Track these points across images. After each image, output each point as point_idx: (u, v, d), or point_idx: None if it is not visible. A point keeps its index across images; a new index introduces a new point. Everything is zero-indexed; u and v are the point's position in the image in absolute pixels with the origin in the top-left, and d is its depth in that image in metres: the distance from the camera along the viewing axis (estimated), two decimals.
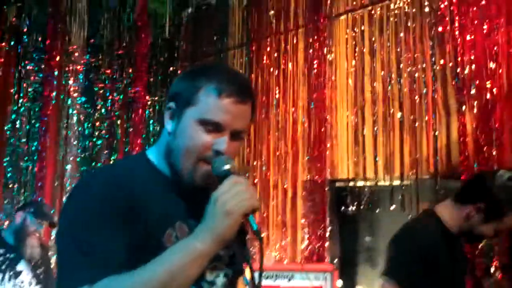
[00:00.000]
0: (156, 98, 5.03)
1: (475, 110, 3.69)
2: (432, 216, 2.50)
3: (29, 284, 3.24)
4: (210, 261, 1.28)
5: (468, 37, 3.79)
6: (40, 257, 3.35)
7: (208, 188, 1.31)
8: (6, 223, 4.44)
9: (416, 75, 4.02)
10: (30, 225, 3.24)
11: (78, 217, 1.28)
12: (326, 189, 4.33)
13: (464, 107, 3.74)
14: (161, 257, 1.22)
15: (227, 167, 1.30)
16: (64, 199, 4.64)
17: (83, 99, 4.95)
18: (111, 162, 4.74)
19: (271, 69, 4.74)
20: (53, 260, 3.65)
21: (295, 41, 4.71)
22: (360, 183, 4.20)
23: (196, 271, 1.23)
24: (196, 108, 1.35)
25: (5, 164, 4.56)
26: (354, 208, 4.19)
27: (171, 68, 5.08)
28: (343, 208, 4.24)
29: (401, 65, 4.11)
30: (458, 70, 3.80)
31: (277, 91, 4.68)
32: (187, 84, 1.39)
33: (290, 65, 4.69)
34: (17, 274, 3.19)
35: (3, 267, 3.16)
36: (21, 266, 3.24)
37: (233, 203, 1.22)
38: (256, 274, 1.26)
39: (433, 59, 3.96)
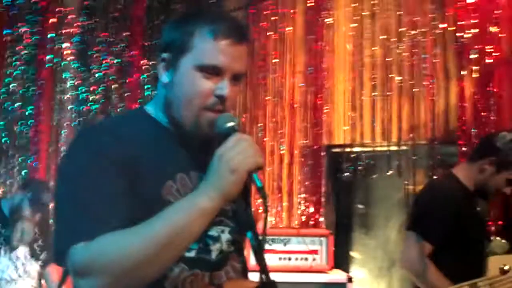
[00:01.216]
0: (152, 62, 4.96)
1: (474, 75, 3.65)
2: (451, 175, 2.72)
3: (25, 258, 3.24)
4: (215, 216, 1.26)
5: (469, 0, 3.72)
6: (35, 231, 3.33)
7: (210, 140, 1.29)
8: (1, 190, 4.44)
9: (416, 39, 3.97)
10: (25, 210, 3.20)
11: (74, 172, 1.25)
12: (322, 154, 4.32)
13: (463, 72, 3.71)
14: (164, 214, 1.19)
15: (231, 124, 1.28)
16: (58, 163, 4.63)
17: (78, 63, 4.88)
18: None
19: (269, 33, 4.66)
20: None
21: (293, 4, 4.62)
22: (357, 149, 4.18)
23: (199, 229, 1.21)
24: (192, 54, 1.31)
25: (0, 128, 4.53)
26: (350, 173, 4.18)
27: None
28: (339, 173, 4.23)
29: (401, 29, 4.04)
30: (458, 34, 3.75)
31: (274, 56, 4.61)
32: (179, 31, 1.34)
33: (287, 29, 4.61)
34: (13, 249, 3.19)
35: (2, 244, 3.15)
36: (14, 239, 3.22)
37: (238, 160, 1.20)
38: (260, 233, 1.24)
39: (434, 22, 3.90)
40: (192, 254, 1.30)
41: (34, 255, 3.29)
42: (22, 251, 3.24)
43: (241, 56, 1.34)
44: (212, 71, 1.30)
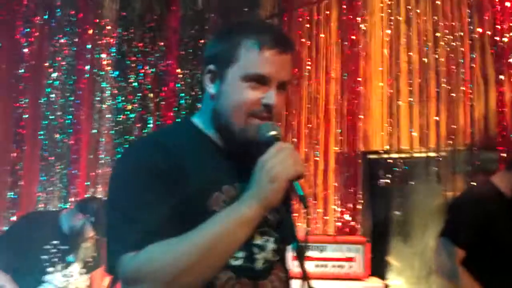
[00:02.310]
0: (187, 71, 5.01)
1: None
2: (488, 183, 2.68)
3: (79, 274, 3.30)
4: (260, 225, 1.29)
5: (507, 4, 3.66)
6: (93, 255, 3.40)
7: (254, 152, 1.30)
8: (43, 195, 4.53)
9: (453, 44, 3.91)
10: (88, 233, 3.26)
11: (124, 184, 1.30)
12: (359, 161, 4.28)
13: (502, 77, 3.63)
14: (208, 223, 1.22)
15: (273, 132, 1.30)
16: (98, 171, 4.71)
17: (116, 72, 4.97)
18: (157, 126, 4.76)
19: (303, 40, 4.66)
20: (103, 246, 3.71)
21: (327, 11, 4.61)
22: (394, 155, 4.13)
23: (242, 237, 1.23)
24: (238, 65, 1.34)
25: (40, 137, 4.63)
26: (387, 180, 4.13)
27: (201, 41, 5.05)
28: (376, 180, 4.19)
29: (438, 34, 3.99)
30: (497, 38, 3.68)
31: (309, 62, 4.61)
32: (225, 43, 1.37)
33: (322, 35, 4.60)
34: (68, 265, 3.25)
35: (55, 258, 3.21)
36: (72, 258, 3.28)
37: (279, 169, 1.22)
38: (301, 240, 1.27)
39: (471, 27, 3.84)
40: (238, 262, 1.32)
41: (86, 270, 3.35)
42: (76, 267, 3.29)
43: (287, 64, 1.37)
44: (258, 80, 1.33)
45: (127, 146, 1.75)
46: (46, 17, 4.87)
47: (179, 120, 4.52)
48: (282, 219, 1.44)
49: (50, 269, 3.16)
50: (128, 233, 1.23)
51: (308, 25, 4.68)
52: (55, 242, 3.20)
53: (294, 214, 1.57)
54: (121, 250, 1.21)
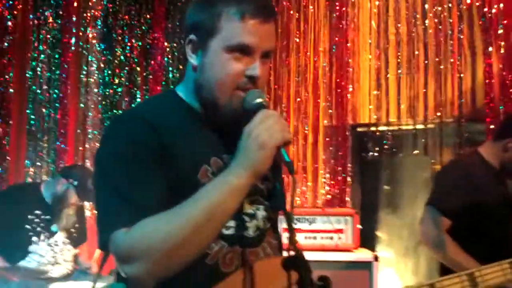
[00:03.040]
0: (175, 45, 4.96)
1: (502, 51, 3.59)
2: (475, 153, 2.70)
3: (63, 243, 3.29)
4: (250, 194, 1.29)
5: None
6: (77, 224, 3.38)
7: (240, 122, 1.29)
8: (31, 169, 4.50)
9: (442, 15, 3.90)
10: (71, 199, 3.24)
11: (113, 160, 1.28)
12: (347, 134, 4.30)
13: (490, 48, 3.64)
14: (197, 194, 1.21)
15: (258, 100, 1.29)
16: (86, 145, 4.68)
17: (102, 46, 4.90)
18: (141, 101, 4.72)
19: (291, 12, 4.62)
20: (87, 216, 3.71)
21: None
22: (382, 128, 4.15)
23: (233, 206, 1.23)
24: (221, 35, 1.31)
25: (28, 112, 4.58)
26: (376, 153, 4.15)
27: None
28: (364, 153, 4.21)
29: (426, 6, 3.97)
30: (485, 9, 3.68)
31: (297, 35, 4.58)
32: (206, 12, 1.34)
33: (311, 7, 4.57)
34: (52, 235, 3.24)
35: (39, 228, 3.20)
36: (55, 227, 3.27)
37: (266, 135, 1.21)
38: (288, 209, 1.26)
39: None
40: (230, 231, 1.33)
41: (71, 240, 3.35)
42: (60, 236, 3.29)
43: (270, 34, 1.34)
44: (242, 51, 1.30)
45: (113, 120, 1.72)
46: None
47: (162, 92, 4.48)
48: (272, 186, 1.44)
49: (34, 239, 3.16)
50: (119, 209, 1.22)
51: None
52: (37, 212, 3.20)
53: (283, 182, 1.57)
54: (113, 226, 1.21)
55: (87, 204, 3.86)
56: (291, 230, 1.18)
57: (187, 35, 1.38)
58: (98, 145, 1.37)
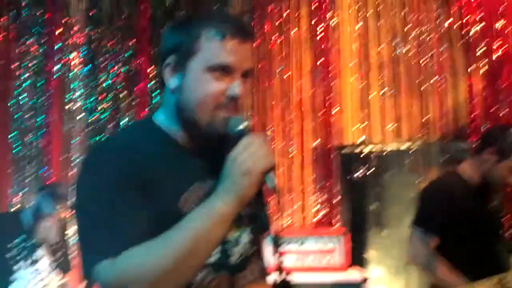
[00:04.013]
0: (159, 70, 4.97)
1: (482, 71, 3.67)
2: (452, 171, 2.76)
3: (48, 271, 3.25)
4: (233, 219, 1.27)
5: None
6: (58, 241, 3.32)
7: (221, 147, 1.29)
8: (16, 198, 4.45)
9: (422, 37, 3.98)
10: (45, 208, 3.20)
11: (93, 191, 1.26)
12: (333, 155, 4.33)
13: (471, 68, 3.72)
14: (184, 222, 1.20)
15: (242, 126, 1.29)
16: (72, 172, 4.64)
17: (86, 72, 4.90)
18: (117, 130, 4.71)
19: (274, 37, 4.68)
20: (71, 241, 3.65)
21: (297, 7, 4.64)
22: (367, 148, 4.19)
23: (220, 234, 1.22)
24: (201, 56, 1.30)
25: (11, 140, 4.54)
26: (362, 173, 4.19)
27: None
28: (351, 173, 4.24)
29: (407, 27, 4.06)
30: (464, 31, 3.77)
31: (280, 58, 4.63)
32: (184, 34, 1.33)
33: (293, 32, 4.63)
34: (35, 262, 3.19)
35: (22, 255, 3.15)
36: (40, 253, 3.23)
37: (251, 162, 1.20)
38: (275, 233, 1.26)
39: (439, 20, 3.92)
40: (213, 258, 1.30)
41: (57, 266, 3.30)
42: (44, 263, 3.24)
43: (249, 53, 1.35)
44: (222, 71, 1.30)
45: (90, 150, 1.67)
46: (12, 17, 4.77)
47: (140, 120, 4.47)
48: (255, 211, 1.42)
49: (16, 267, 3.12)
50: (102, 240, 1.20)
51: (278, 22, 4.70)
52: (18, 240, 3.16)
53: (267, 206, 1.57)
54: (97, 258, 1.19)
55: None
56: (278, 254, 1.19)
57: (164, 58, 1.36)
58: (77, 176, 1.36)
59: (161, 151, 1.35)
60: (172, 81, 1.34)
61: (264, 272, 1.46)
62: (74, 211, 1.35)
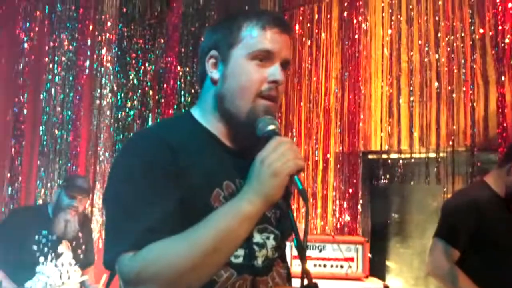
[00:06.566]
0: (188, 69, 5.01)
1: None
2: (481, 183, 2.71)
3: (69, 265, 3.29)
4: (259, 222, 1.28)
5: (509, 5, 3.65)
6: (79, 235, 3.36)
7: (254, 148, 1.29)
8: (43, 191, 4.53)
9: (455, 44, 3.90)
10: (63, 200, 3.24)
11: (125, 180, 1.27)
12: (358, 161, 4.27)
13: (503, 78, 3.63)
14: (208, 220, 1.20)
15: (271, 127, 1.30)
16: (97, 168, 4.70)
17: (116, 69, 4.96)
18: (157, 121, 4.75)
19: (304, 39, 4.65)
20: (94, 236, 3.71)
21: (328, 10, 4.60)
22: (393, 156, 4.13)
23: (244, 233, 1.22)
24: (243, 44, 1.36)
25: (40, 133, 4.63)
26: (387, 181, 4.13)
27: (202, 39, 5.05)
28: (375, 180, 4.18)
29: (439, 34, 3.98)
30: (498, 39, 3.68)
31: (309, 61, 4.60)
32: (225, 27, 1.39)
33: (323, 34, 4.59)
34: (58, 256, 3.24)
35: (46, 249, 3.20)
36: (62, 248, 3.27)
37: (279, 163, 1.20)
38: (302, 236, 1.24)
39: (472, 27, 3.83)
40: (239, 260, 1.31)
41: (77, 261, 3.34)
42: (67, 257, 3.29)
43: (288, 44, 1.40)
44: (264, 56, 1.34)
45: (130, 138, 1.70)
46: (46, 12, 4.85)
47: (179, 113, 4.51)
48: (282, 215, 1.43)
49: (41, 260, 3.16)
50: (128, 231, 1.20)
51: (309, 24, 4.67)
52: (44, 232, 3.21)
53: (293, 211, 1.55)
54: (120, 249, 1.20)
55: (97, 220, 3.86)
56: (303, 260, 1.17)
57: (207, 53, 1.41)
58: (112, 163, 1.37)
59: (199, 144, 1.36)
60: (214, 73, 1.39)
61: (288, 277, 1.48)
62: (103, 198, 1.37)
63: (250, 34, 1.35)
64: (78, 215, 3.29)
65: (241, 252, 1.32)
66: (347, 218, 4.19)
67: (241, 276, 1.31)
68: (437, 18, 4.00)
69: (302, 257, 1.18)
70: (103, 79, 4.89)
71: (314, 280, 1.16)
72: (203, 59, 1.42)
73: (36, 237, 3.20)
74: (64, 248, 3.28)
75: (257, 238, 1.36)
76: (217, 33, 1.40)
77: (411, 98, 4.07)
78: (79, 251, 3.38)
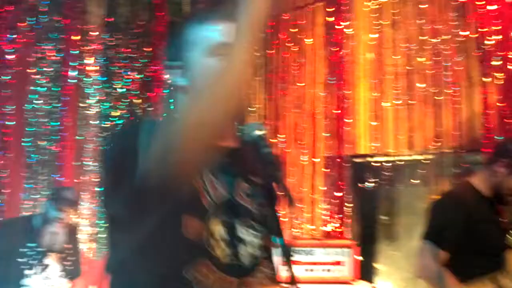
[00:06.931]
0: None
1: (498, 82, 3.61)
2: (465, 183, 2.74)
3: (57, 278, 3.26)
4: (245, 219, 1.29)
5: (491, 7, 3.69)
6: (67, 247, 3.32)
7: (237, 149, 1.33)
8: (27, 202, 4.48)
9: (438, 47, 3.93)
10: (50, 213, 3.22)
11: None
12: (346, 165, 4.28)
13: (487, 79, 3.66)
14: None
15: (259, 132, 1.30)
16: (84, 178, 4.67)
17: (102, 78, 4.94)
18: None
19: (289, 44, 4.66)
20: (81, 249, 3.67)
21: (313, 15, 4.62)
22: (381, 159, 4.14)
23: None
24: (199, 46, 1.34)
25: (26, 144, 4.59)
26: (374, 184, 4.13)
27: None
28: (363, 184, 4.19)
29: (423, 37, 4.01)
30: (481, 41, 3.71)
31: (295, 67, 4.61)
32: (179, 38, 1.38)
33: (308, 40, 4.61)
34: (45, 268, 3.21)
35: (31, 261, 3.17)
36: (49, 260, 3.24)
37: None
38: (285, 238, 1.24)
39: (456, 30, 3.87)
40: (225, 260, 1.31)
41: (65, 273, 3.31)
42: (55, 269, 3.25)
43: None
44: (220, 50, 1.31)
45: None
46: (31, 23, 4.83)
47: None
48: (267, 214, 1.41)
49: (27, 272, 3.13)
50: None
51: (294, 30, 4.69)
52: (30, 244, 3.17)
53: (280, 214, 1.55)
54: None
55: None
56: (289, 263, 1.17)
57: (173, 67, 1.39)
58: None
59: None
60: (183, 81, 1.38)
61: (273, 278, 1.45)
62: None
63: (202, 34, 1.36)
64: (65, 226, 3.26)
65: (227, 251, 1.31)
66: (335, 222, 4.19)
67: (227, 278, 1.30)
68: (420, 22, 4.03)
69: (288, 262, 1.18)
70: (89, 89, 4.87)
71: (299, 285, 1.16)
72: (170, 70, 1.43)
73: (23, 249, 3.17)
74: (51, 260, 3.25)
75: (244, 235, 1.36)
76: (172, 46, 1.42)
77: (397, 101, 4.09)
78: (67, 263, 3.35)
